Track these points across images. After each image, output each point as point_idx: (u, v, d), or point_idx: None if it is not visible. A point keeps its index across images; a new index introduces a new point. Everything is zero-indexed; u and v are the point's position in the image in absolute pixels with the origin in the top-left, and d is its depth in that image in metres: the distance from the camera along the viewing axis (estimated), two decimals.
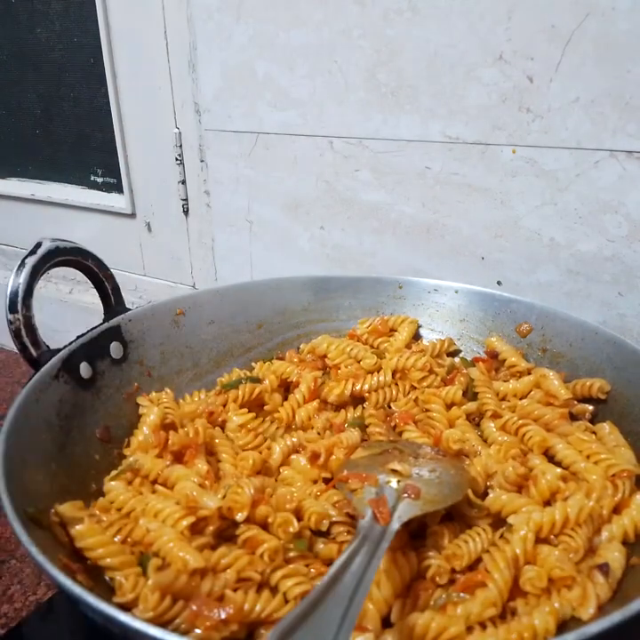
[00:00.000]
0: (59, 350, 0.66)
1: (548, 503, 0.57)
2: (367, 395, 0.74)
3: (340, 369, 0.77)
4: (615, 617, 0.40)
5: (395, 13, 0.81)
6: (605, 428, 0.65)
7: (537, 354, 0.78)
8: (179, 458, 0.62)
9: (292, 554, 0.52)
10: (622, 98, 0.72)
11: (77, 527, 0.51)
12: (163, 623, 0.45)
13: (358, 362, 0.78)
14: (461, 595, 0.49)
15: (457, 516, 0.57)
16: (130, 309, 0.77)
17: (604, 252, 0.79)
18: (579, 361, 0.74)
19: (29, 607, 0.70)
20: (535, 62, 0.75)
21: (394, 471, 0.57)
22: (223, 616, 0.45)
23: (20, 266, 0.65)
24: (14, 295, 0.64)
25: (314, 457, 0.63)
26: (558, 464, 0.61)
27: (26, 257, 0.66)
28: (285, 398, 0.75)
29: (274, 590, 0.50)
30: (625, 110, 0.73)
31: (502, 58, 0.77)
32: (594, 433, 0.65)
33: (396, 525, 0.50)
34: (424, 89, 0.83)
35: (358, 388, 0.74)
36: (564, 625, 0.47)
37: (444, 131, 0.84)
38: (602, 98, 0.73)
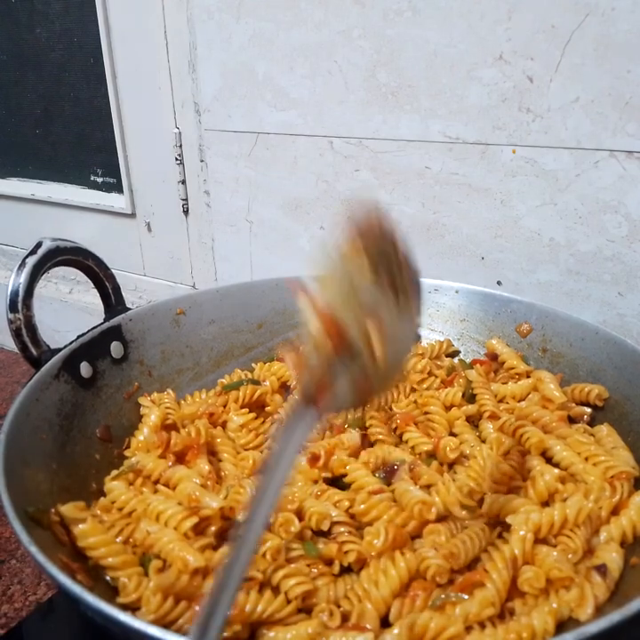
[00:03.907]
0: (59, 350, 0.66)
1: (546, 504, 0.57)
2: None
3: None
4: (614, 617, 0.40)
5: (395, 13, 0.81)
6: (603, 430, 0.65)
7: (537, 354, 0.78)
8: (181, 458, 0.62)
9: (294, 553, 0.53)
10: (622, 98, 0.72)
11: (80, 526, 0.52)
12: (166, 624, 0.46)
13: None
14: (460, 594, 0.49)
15: (451, 517, 0.57)
16: (130, 309, 0.77)
17: (604, 252, 0.79)
18: (579, 361, 0.74)
19: (29, 607, 0.70)
20: (535, 62, 0.76)
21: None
22: None
23: (20, 265, 0.65)
24: (15, 295, 0.64)
25: (313, 459, 0.63)
26: (556, 466, 0.62)
27: (26, 256, 0.66)
28: (286, 399, 0.75)
29: (275, 590, 0.50)
30: (625, 110, 0.73)
31: (502, 58, 0.77)
32: (592, 435, 0.65)
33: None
34: (424, 89, 0.83)
35: None
36: (561, 625, 0.47)
37: (444, 131, 0.84)
38: (602, 98, 0.73)
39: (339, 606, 0.49)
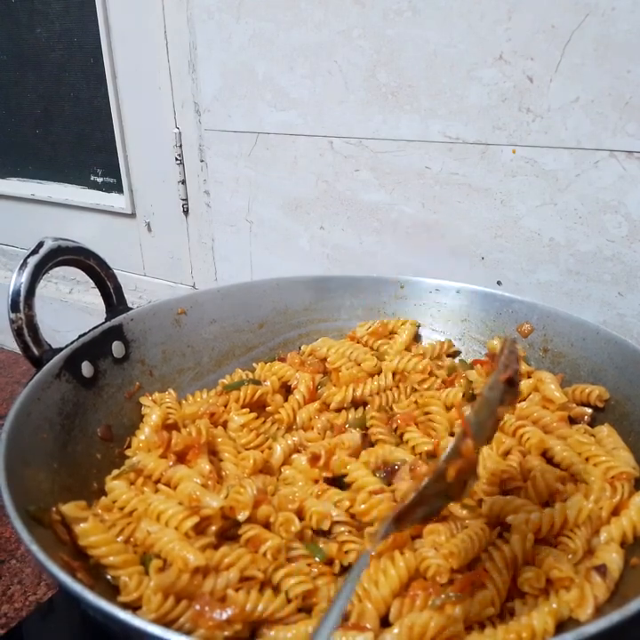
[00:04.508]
0: (61, 349, 0.67)
1: (546, 505, 0.57)
2: (369, 398, 0.74)
3: (340, 371, 0.77)
4: (614, 617, 0.40)
5: (395, 13, 0.81)
6: (603, 430, 0.65)
7: (538, 354, 0.78)
8: (181, 458, 0.62)
9: (294, 553, 0.53)
10: (622, 98, 0.72)
11: (81, 525, 0.52)
12: (167, 623, 0.46)
13: (359, 364, 0.78)
14: (460, 594, 0.49)
15: (451, 517, 0.57)
16: (132, 309, 0.77)
17: (604, 252, 0.79)
18: (580, 361, 0.74)
19: (29, 607, 0.70)
20: (535, 62, 0.76)
21: None
22: (225, 617, 0.45)
23: (22, 265, 0.65)
24: (16, 294, 0.64)
25: (314, 459, 0.63)
26: (557, 466, 0.62)
27: (28, 256, 0.66)
28: (286, 399, 0.75)
29: (276, 589, 0.50)
30: (625, 110, 0.73)
31: (502, 58, 0.77)
32: (592, 436, 0.65)
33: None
34: (424, 89, 0.83)
35: (359, 393, 0.74)
36: (561, 626, 0.47)
37: (444, 131, 0.84)
38: (602, 98, 0.73)
39: None
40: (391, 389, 0.75)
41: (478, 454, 0.46)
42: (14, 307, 0.64)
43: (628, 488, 0.58)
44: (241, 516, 0.54)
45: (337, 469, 0.62)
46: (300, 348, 0.85)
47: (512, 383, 0.47)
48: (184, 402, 0.75)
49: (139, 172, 1.15)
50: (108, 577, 0.50)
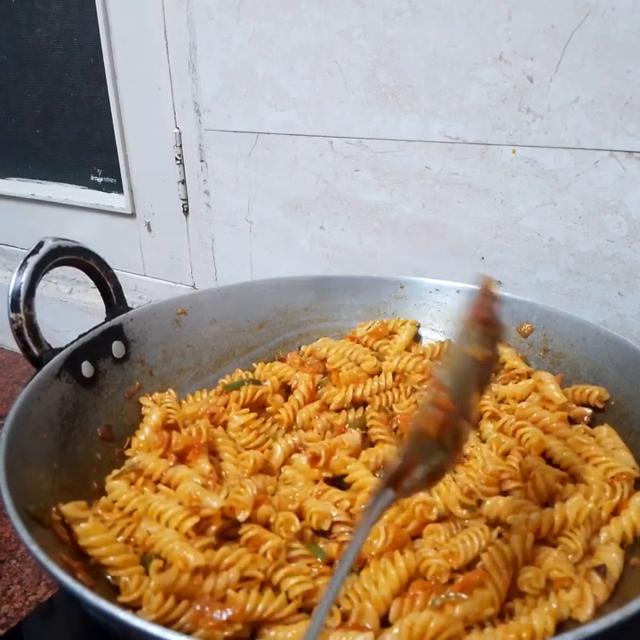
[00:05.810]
0: (61, 349, 0.67)
1: (546, 505, 0.57)
2: (369, 398, 0.74)
3: (340, 372, 0.77)
4: (614, 617, 0.40)
5: (395, 13, 0.81)
6: (603, 431, 0.65)
7: (538, 354, 0.78)
8: (182, 458, 0.62)
9: (295, 553, 0.53)
10: (622, 98, 0.72)
11: (82, 525, 0.52)
12: (167, 623, 0.46)
13: (358, 365, 0.78)
14: (460, 594, 0.49)
15: (451, 517, 0.57)
16: (132, 309, 0.77)
17: (604, 252, 0.79)
18: (580, 361, 0.74)
19: (29, 607, 0.70)
20: (535, 62, 0.76)
21: None
22: (225, 617, 0.45)
23: (22, 265, 0.65)
24: (16, 294, 0.64)
25: (314, 459, 0.63)
26: (557, 466, 0.62)
27: (28, 256, 0.66)
28: (286, 399, 0.75)
29: (276, 590, 0.50)
30: (625, 110, 0.73)
31: (502, 58, 0.77)
32: (592, 436, 0.65)
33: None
34: (424, 89, 0.83)
35: (359, 393, 0.74)
36: (561, 626, 0.47)
37: (444, 131, 0.84)
38: (602, 98, 0.73)
39: (339, 606, 0.49)
40: (391, 390, 0.75)
41: (473, 403, 0.44)
42: (14, 307, 0.64)
43: (628, 488, 0.58)
44: (241, 516, 0.54)
45: (337, 469, 0.62)
46: (299, 348, 0.85)
47: (488, 323, 0.43)
48: (184, 402, 0.75)
49: (139, 171, 1.15)
50: (108, 577, 0.51)
